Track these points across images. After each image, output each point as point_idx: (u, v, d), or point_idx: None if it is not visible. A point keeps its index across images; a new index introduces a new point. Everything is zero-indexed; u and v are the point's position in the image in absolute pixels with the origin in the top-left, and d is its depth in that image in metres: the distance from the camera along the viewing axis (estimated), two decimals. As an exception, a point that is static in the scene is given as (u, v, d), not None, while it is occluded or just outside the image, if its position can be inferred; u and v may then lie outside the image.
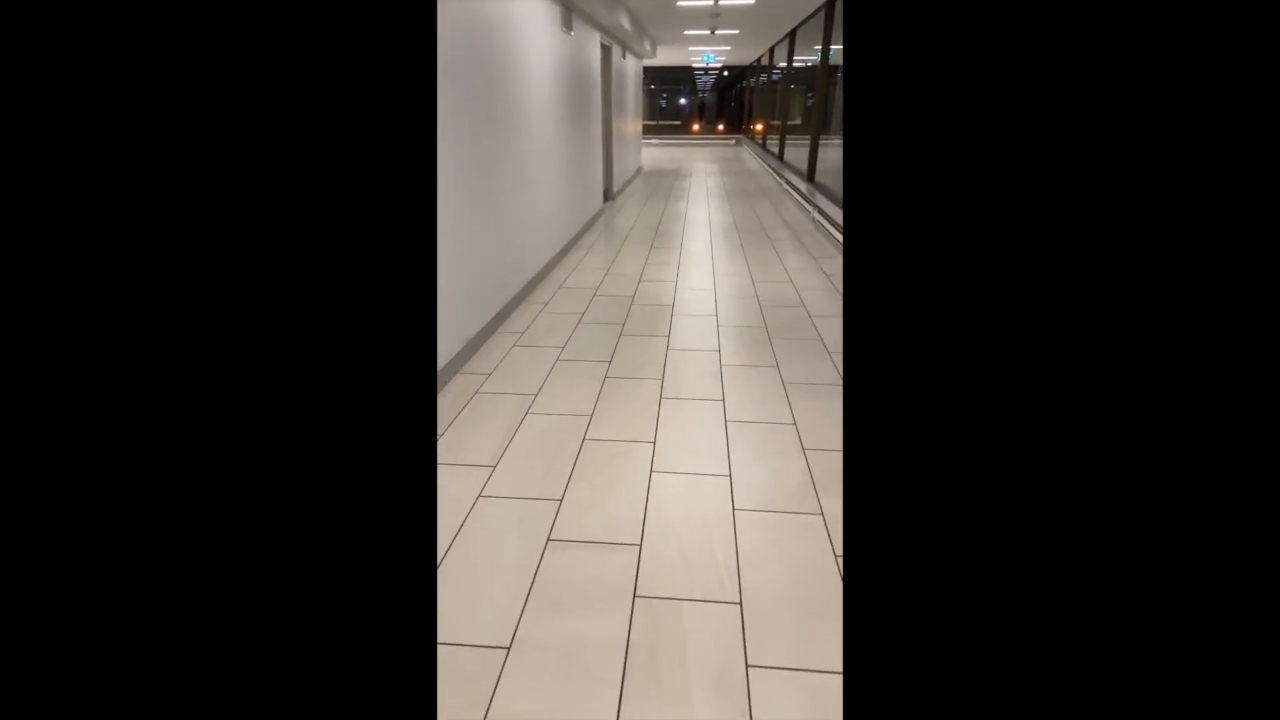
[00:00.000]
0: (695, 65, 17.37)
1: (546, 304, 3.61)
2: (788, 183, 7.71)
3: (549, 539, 1.66)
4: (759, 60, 14.29)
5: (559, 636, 1.35)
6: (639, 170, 10.20)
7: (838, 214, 5.19)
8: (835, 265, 4.43)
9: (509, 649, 1.33)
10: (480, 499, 1.83)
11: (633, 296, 3.75)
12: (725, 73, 21.33)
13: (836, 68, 6.88)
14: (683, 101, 24.28)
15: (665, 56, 13.58)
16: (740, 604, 1.44)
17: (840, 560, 1.58)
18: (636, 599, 1.46)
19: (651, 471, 1.96)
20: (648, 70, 17.50)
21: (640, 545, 1.63)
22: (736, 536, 1.67)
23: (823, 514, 1.76)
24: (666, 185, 8.76)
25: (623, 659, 1.30)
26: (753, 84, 16.31)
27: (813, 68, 8.61)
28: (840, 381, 2.58)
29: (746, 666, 1.29)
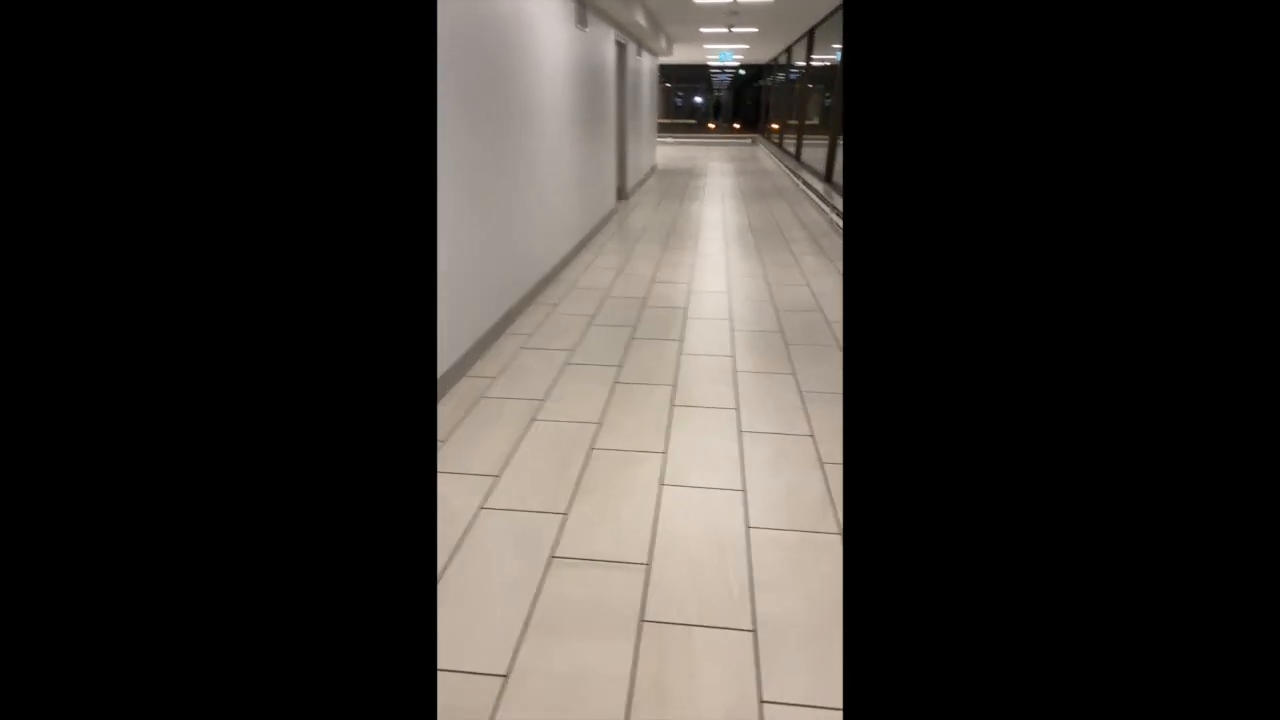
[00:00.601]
0: (712, 64, 17.24)
1: (557, 305, 3.53)
2: (804, 183, 7.58)
3: (552, 556, 1.58)
4: (776, 59, 14.14)
5: (560, 665, 1.27)
6: (653, 169, 10.11)
7: (856, 215, 5.05)
8: (853, 268, 4.31)
9: (507, 677, 1.25)
10: (482, 511, 1.76)
11: (645, 298, 3.66)
12: (742, 71, 21.17)
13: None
14: (699, 100, 24.14)
15: (681, 54, 13.47)
16: (754, 632, 1.35)
17: (861, 586, 1.48)
18: (643, 624, 1.37)
19: (661, 485, 1.87)
20: (664, 68, 17.40)
21: (648, 565, 1.55)
22: (750, 557, 1.58)
23: (840, 533, 1.66)
24: (681, 184, 8.66)
25: (627, 691, 1.21)
26: (769, 83, 16.16)
27: (831, 67, 8.46)
28: (859, 391, 2.47)
29: (760, 702, 1.20)
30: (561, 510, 1.76)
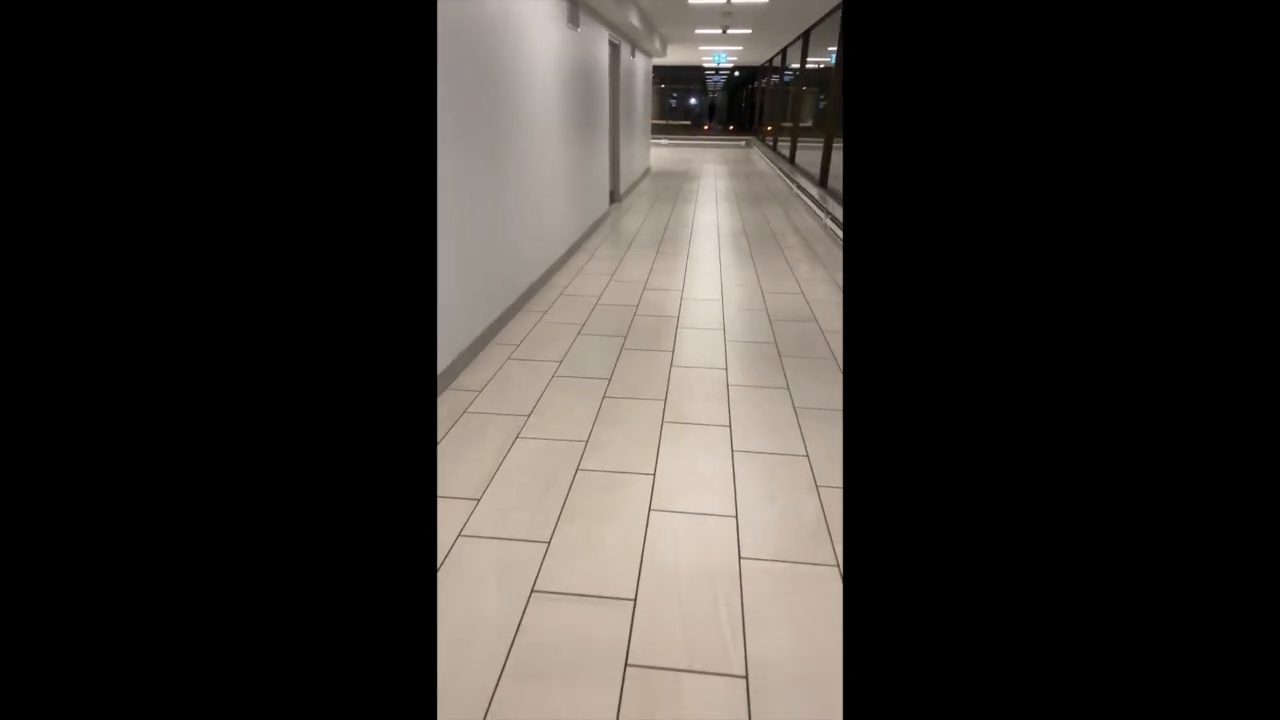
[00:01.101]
0: (706, 65, 17.18)
1: (545, 313, 3.44)
2: (799, 187, 7.52)
3: (533, 590, 1.49)
4: (770, 61, 14.09)
5: (539, 714, 1.18)
6: (647, 171, 10.02)
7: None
8: (848, 276, 4.24)
9: (480, 732, 1.16)
10: (460, 539, 1.66)
11: (636, 306, 3.58)
12: (736, 73, 21.14)
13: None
14: (693, 101, 24.08)
15: (676, 56, 13.40)
16: (746, 677, 1.27)
17: (859, 625, 1.40)
18: (629, 668, 1.29)
19: (650, 510, 1.79)
20: (658, 69, 17.31)
21: (635, 600, 1.46)
22: (743, 592, 1.49)
23: (838, 565, 1.58)
24: (675, 187, 8.58)
25: (610, 748, 1.13)
26: (764, 85, 16.11)
27: (825, 69, 8.39)
28: (856, 407, 2.40)
29: (752, 760, 1.11)
30: (544, 539, 1.67)
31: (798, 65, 10.09)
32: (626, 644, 1.34)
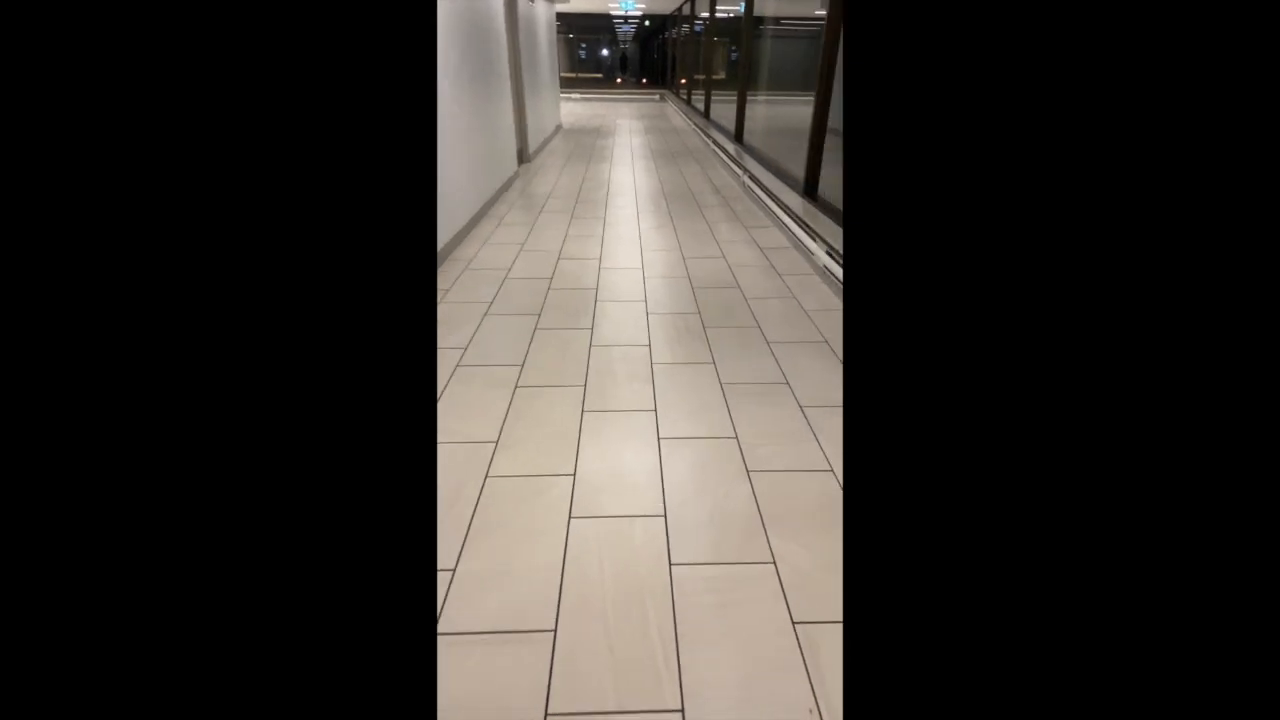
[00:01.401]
0: (614, 13, 16.44)
1: (447, 291, 3.12)
2: (715, 143, 7.34)
3: (436, 635, 1.29)
4: (680, 9, 13.62)
5: (442, 797, 1.00)
6: (558, 128, 9.51)
7: (768, 178, 4.90)
8: (768, 237, 4.14)
9: (369, 832, 0.96)
10: (347, 577, 1.42)
11: (550, 279, 3.32)
12: (647, 22, 20.43)
13: (760, 20, 6.47)
14: (604, 52, 23.19)
15: (580, 2, 12.66)
16: (681, 710, 1.14)
17: (799, 631, 1.30)
18: (549, 718, 1.12)
19: (570, 518, 1.61)
20: (563, 17, 16.40)
21: (555, 631, 1.29)
22: (674, 606, 1.35)
23: (775, 563, 1.47)
24: (588, 144, 8.18)
25: (529, 827, 0.97)
26: (675, 36, 15.63)
27: (735, 19, 8.13)
28: (784, 380, 2.30)
29: (694, 814, 0.99)
30: (449, 566, 1.46)
31: (708, 15, 9.75)
32: (546, 688, 1.17)
